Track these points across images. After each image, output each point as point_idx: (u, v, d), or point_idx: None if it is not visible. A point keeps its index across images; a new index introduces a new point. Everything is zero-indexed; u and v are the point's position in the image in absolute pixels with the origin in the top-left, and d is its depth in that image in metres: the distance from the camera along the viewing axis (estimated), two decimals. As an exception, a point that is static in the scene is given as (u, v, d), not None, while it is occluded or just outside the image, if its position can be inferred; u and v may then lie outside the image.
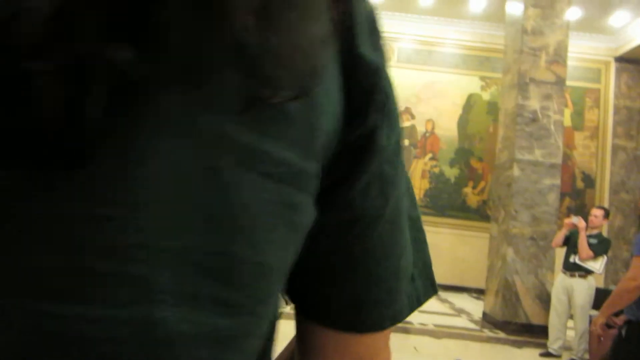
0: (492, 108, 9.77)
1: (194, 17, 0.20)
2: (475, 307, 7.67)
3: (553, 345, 4.52)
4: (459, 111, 9.82)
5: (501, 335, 5.71)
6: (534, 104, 6.20)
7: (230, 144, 0.23)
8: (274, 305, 0.29)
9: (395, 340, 4.88)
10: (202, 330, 0.23)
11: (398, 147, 0.34)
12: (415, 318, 6.21)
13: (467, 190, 9.73)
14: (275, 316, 0.31)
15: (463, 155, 9.77)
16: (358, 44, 0.29)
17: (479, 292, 8.93)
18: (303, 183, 0.26)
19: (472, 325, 6.22)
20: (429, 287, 0.39)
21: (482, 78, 9.85)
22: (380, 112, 0.31)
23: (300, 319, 0.36)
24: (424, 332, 5.49)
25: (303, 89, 0.24)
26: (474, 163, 9.77)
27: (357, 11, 0.30)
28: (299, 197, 0.26)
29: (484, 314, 6.53)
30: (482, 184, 9.75)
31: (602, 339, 2.84)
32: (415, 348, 4.76)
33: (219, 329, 0.24)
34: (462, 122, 9.81)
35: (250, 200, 0.24)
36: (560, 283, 4.45)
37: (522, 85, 6.24)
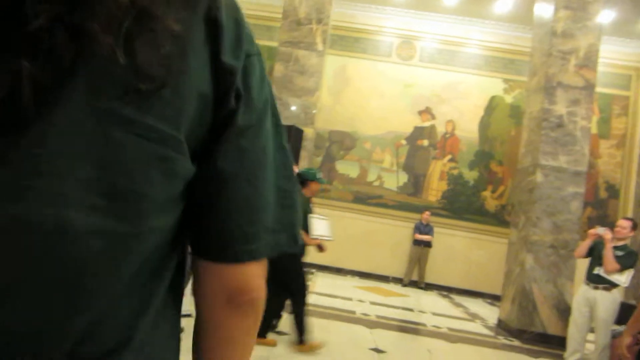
0: (515, 111, 9.60)
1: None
2: (489, 312, 7.55)
3: (570, 357, 4.40)
4: (481, 113, 9.67)
5: (516, 343, 5.60)
6: (560, 108, 6.05)
7: (117, 116, 0.38)
8: (163, 230, 0.44)
9: (409, 342, 4.80)
10: (97, 228, 0.38)
11: (259, 129, 0.48)
12: (429, 320, 6.13)
13: (486, 194, 9.57)
14: (179, 252, 0.49)
15: (483, 158, 9.62)
16: (222, 53, 0.44)
17: (493, 298, 8.81)
18: (174, 145, 0.41)
19: (486, 331, 6.11)
20: (292, 241, 0.52)
21: (506, 80, 9.67)
22: (238, 101, 0.46)
23: (192, 255, 0.51)
24: (437, 335, 5.40)
25: (161, 85, 0.39)
26: (494, 167, 9.61)
27: (225, 25, 0.44)
28: (172, 154, 0.41)
29: (499, 320, 6.42)
30: (501, 188, 9.59)
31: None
32: (429, 351, 4.68)
33: (107, 228, 0.38)
34: (484, 125, 9.65)
35: (130, 152, 0.38)
36: (583, 295, 4.32)
37: (548, 89, 6.09)
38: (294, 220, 0.52)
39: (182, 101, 0.41)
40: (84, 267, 0.38)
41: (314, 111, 6.34)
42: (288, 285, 3.90)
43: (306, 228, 3.93)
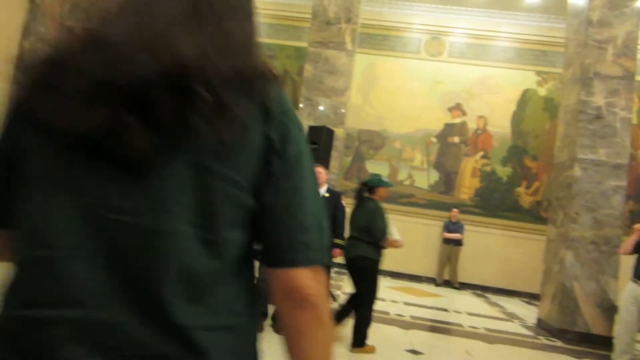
0: (549, 104, 9.34)
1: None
2: (527, 312, 7.36)
3: (619, 358, 4.23)
4: (513, 107, 9.44)
5: (558, 343, 5.43)
6: (598, 100, 5.84)
7: (209, 169, 0.60)
8: (236, 242, 0.66)
9: (446, 343, 4.71)
10: (195, 235, 0.60)
11: (292, 175, 0.67)
12: (465, 320, 6.02)
13: (520, 190, 9.34)
14: (246, 257, 0.69)
15: (516, 153, 9.39)
16: (270, 131, 0.65)
17: (531, 297, 8.58)
18: (239, 186, 0.63)
19: (525, 332, 5.95)
20: (328, 258, 0.71)
21: (539, 73, 9.42)
22: (279, 158, 0.66)
23: (262, 265, 0.70)
24: (475, 335, 5.29)
25: (233, 150, 0.62)
26: (528, 162, 9.37)
27: (273, 113, 0.66)
28: (237, 192, 0.63)
29: (539, 320, 6.25)
30: (536, 184, 9.34)
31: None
32: (467, 352, 4.58)
33: (200, 235, 0.61)
34: (516, 119, 9.43)
35: (215, 190, 0.61)
36: (630, 293, 4.14)
37: (585, 80, 5.90)
38: (325, 242, 0.70)
39: (244, 160, 0.64)
40: (188, 257, 0.61)
41: (343, 111, 6.32)
42: (359, 287, 4.08)
43: (385, 231, 4.10)
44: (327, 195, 4.72)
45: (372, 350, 4.10)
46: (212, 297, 0.62)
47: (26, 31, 6.08)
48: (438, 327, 5.61)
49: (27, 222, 0.60)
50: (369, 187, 4.27)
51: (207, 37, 0.62)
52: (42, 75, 0.60)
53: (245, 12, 0.72)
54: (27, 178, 0.61)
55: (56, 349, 0.55)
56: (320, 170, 4.80)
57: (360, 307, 4.09)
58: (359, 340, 4.06)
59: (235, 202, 0.63)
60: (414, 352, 4.29)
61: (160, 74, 0.57)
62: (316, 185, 0.72)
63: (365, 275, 4.09)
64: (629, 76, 5.79)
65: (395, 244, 4.38)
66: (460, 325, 5.79)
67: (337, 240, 4.62)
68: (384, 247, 4.21)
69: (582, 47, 5.90)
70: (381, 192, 4.32)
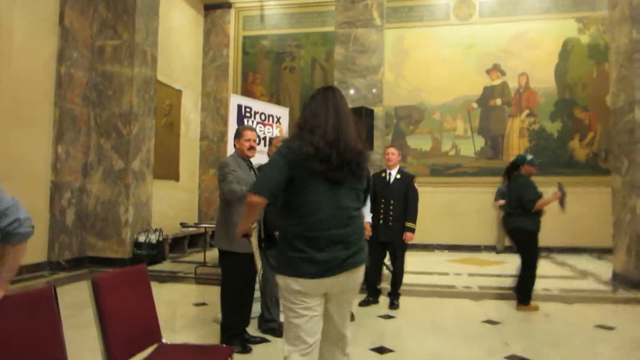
0: (594, 51, 8.85)
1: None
2: (600, 267, 7.05)
3: None
4: (555, 60, 9.00)
5: (640, 296, 5.18)
6: (653, 36, 5.46)
7: (355, 188, 2.04)
8: (359, 206, 2.17)
9: (521, 310, 4.53)
10: (354, 208, 2.04)
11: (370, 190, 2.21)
12: (537, 284, 5.80)
13: (574, 143, 8.93)
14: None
15: (565, 106, 8.97)
16: (368, 182, 2.16)
17: (600, 252, 8.22)
18: (361, 192, 2.11)
19: (602, 287, 5.69)
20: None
21: (579, 19, 8.92)
22: (368, 185, 2.16)
23: None
24: (551, 298, 5.09)
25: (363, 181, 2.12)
26: (579, 113, 8.93)
27: (369, 178, 2.17)
28: (362, 194, 2.11)
29: (615, 273, 5.97)
30: (590, 135, 8.90)
31: None
32: (546, 315, 4.42)
33: (356, 207, 2.07)
34: (560, 71, 8.99)
35: (354, 194, 2.05)
36: None
37: (635, 18, 5.52)
38: None
39: (364, 185, 2.08)
40: (354, 217, 2.00)
41: (379, 88, 6.17)
42: (521, 254, 4.69)
43: (534, 201, 4.53)
44: (398, 177, 4.66)
45: (536, 308, 4.61)
46: (358, 219, 2.04)
47: (60, 57, 6.28)
48: (509, 295, 5.42)
49: (309, 209, 1.91)
50: (514, 165, 4.84)
51: (361, 139, 2.02)
52: (312, 156, 1.87)
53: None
54: (302, 188, 1.92)
55: (333, 245, 1.90)
56: (393, 151, 4.71)
57: (524, 270, 4.65)
58: (524, 299, 4.63)
59: (360, 196, 2.06)
60: (491, 322, 4.17)
61: (357, 154, 1.95)
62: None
63: (524, 244, 4.66)
64: (684, 5, 5.37)
65: (554, 197, 4.66)
66: (534, 290, 5.59)
67: (409, 224, 4.57)
68: (539, 215, 4.63)
69: (629, -18, 5.51)
70: (526, 168, 4.75)
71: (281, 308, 2.50)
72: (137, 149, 6.93)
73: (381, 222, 4.57)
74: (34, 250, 5.96)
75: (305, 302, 1.90)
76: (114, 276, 2.10)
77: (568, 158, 8.91)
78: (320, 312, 1.94)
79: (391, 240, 4.60)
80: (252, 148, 3.40)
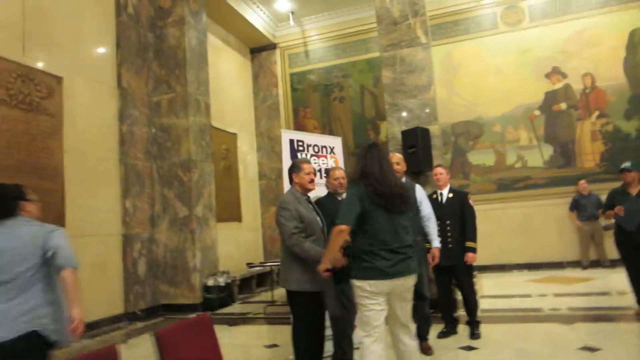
0: (665, 39, 8.17)
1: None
2: None
3: None
4: (622, 54, 8.38)
5: None
6: None
7: (408, 212, 2.92)
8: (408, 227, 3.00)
9: (623, 332, 4.03)
10: (406, 225, 2.84)
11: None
12: (633, 302, 5.22)
13: (656, 141, 8.18)
14: None
15: None
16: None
17: None
18: (409, 221, 2.90)
19: None
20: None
21: (643, 8, 8.31)
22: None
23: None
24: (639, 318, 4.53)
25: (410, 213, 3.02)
26: (657, 108, 8.20)
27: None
28: (407, 224, 2.87)
29: None
30: (673, 130, 8.12)
31: None
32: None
33: (407, 225, 2.86)
34: (630, 65, 8.34)
35: (402, 223, 2.80)
36: None
37: None
38: None
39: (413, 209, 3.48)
40: (407, 234, 2.79)
41: (433, 107, 5.96)
42: None
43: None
44: (451, 195, 4.43)
45: None
46: (409, 236, 2.81)
47: (121, 116, 6.61)
48: (606, 315, 4.89)
49: (374, 229, 2.67)
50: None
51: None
52: (376, 193, 2.68)
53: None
54: (369, 216, 2.67)
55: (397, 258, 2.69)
56: (441, 170, 4.51)
57: None
58: None
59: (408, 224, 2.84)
60: (590, 349, 3.72)
61: (404, 191, 2.81)
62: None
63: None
64: None
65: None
66: (630, 308, 5.02)
67: (469, 243, 4.27)
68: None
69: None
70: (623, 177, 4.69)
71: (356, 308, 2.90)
72: (198, 194, 7.09)
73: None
74: (112, 303, 6.16)
75: (373, 299, 2.66)
76: (177, 329, 2.03)
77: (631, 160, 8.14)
78: (385, 307, 2.69)
79: (453, 263, 4.28)
80: (312, 181, 3.32)
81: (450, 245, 4.25)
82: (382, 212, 2.68)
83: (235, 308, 6.99)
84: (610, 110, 8.41)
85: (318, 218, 3.24)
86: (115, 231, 6.38)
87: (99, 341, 5.25)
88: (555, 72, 8.69)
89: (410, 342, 2.78)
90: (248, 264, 8.33)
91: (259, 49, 10.51)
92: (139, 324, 6.13)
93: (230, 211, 8.92)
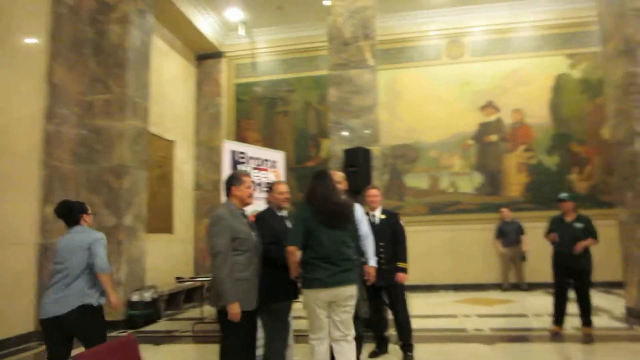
0: (586, 85, 8.93)
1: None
2: (610, 303, 6.81)
3: None
4: (549, 95, 9.05)
5: (661, 334, 4.92)
6: (646, 68, 5.45)
7: (348, 228, 3.26)
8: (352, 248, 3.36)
9: (540, 352, 4.26)
10: (350, 244, 3.25)
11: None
12: (549, 323, 5.54)
13: (572, 177, 8.84)
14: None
15: (561, 140, 8.94)
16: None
17: (608, 286, 7.98)
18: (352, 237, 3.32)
19: (617, 324, 5.44)
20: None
21: (570, 56, 9.04)
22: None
23: None
24: (567, 338, 4.83)
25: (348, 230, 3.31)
26: (575, 147, 8.89)
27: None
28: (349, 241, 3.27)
29: (628, 309, 5.74)
30: (588, 168, 8.82)
31: None
32: (568, 359, 4.15)
33: (350, 244, 3.26)
34: (554, 106, 9.02)
35: (343, 240, 3.17)
36: None
37: (629, 52, 5.55)
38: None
39: (354, 227, 3.43)
40: (346, 249, 3.14)
41: (371, 129, 6.09)
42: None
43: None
44: (383, 217, 4.45)
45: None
46: (349, 250, 3.16)
47: (49, 114, 6.16)
48: (524, 336, 5.16)
49: (316, 244, 3.03)
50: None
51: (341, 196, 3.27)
52: (318, 211, 3.08)
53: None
54: (312, 233, 3.04)
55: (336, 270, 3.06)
56: (375, 192, 4.54)
57: None
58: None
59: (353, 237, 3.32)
60: (510, 372, 3.89)
61: (344, 209, 3.19)
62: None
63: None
64: (675, 37, 5.40)
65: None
66: (546, 329, 5.33)
67: (400, 264, 4.30)
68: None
69: (621, 18, 5.56)
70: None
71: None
72: (128, 203, 6.72)
73: None
74: (22, 320, 5.56)
75: (318, 306, 3.05)
76: (99, 353, 1.87)
77: (568, 191, 8.75)
78: (326, 312, 3.09)
79: (386, 284, 4.28)
80: (251, 196, 3.23)
81: (383, 267, 4.23)
82: (324, 229, 3.05)
83: (162, 325, 6.66)
84: (535, 145, 9.01)
85: (253, 234, 3.15)
86: (31, 239, 5.82)
87: None
88: (490, 106, 9.21)
89: (348, 346, 3.09)
90: (177, 278, 8.00)
91: (205, 56, 10.29)
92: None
93: (161, 221, 8.56)
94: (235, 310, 2.86)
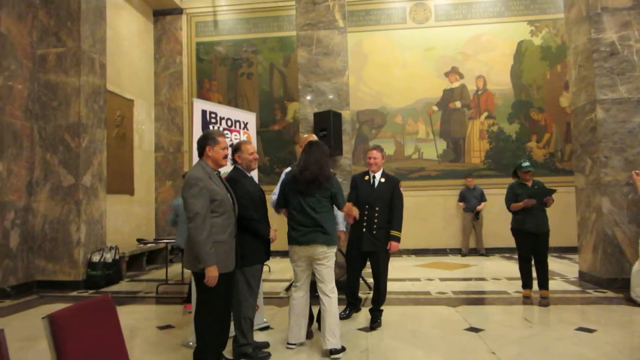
0: (547, 53, 9.09)
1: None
2: (564, 267, 7.17)
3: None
4: (510, 62, 9.18)
5: (610, 294, 5.23)
6: (610, 35, 5.58)
7: (317, 194, 3.57)
8: (326, 207, 3.71)
9: (502, 314, 4.45)
10: (312, 208, 3.64)
11: (337, 194, 3.64)
12: (507, 286, 5.79)
13: (531, 144, 9.11)
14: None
15: (521, 108, 9.14)
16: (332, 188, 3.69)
17: (561, 251, 8.41)
18: (326, 198, 3.63)
19: (572, 287, 5.74)
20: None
21: (531, 22, 9.14)
22: (334, 193, 3.64)
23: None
24: (525, 300, 5.06)
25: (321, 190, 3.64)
26: (535, 115, 9.13)
27: (335, 186, 3.67)
28: (326, 199, 3.65)
29: (582, 273, 6.04)
30: (546, 136, 9.11)
31: None
32: (526, 319, 4.35)
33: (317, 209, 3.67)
34: (516, 73, 9.17)
35: (316, 204, 3.58)
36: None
37: (592, 17, 5.63)
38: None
39: (327, 194, 3.60)
40: (316, 213, 3.52)
41: (342, 93, 6.01)
42: None
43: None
44: (383, 180, 4.23)
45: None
46: (320, 214, 3.51)
47: (-3, 67, 5.73)
48: (485, 299, 5.37)
49: (291, 207, 3.60)
50: (514, 171, 5.27)
51: (323, 167, 3.51)
52: (294, 179, 3.56)
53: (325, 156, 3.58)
54: (288, 197, 3.63)
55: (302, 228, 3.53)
56: (376, 154, 4.26)
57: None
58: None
59: (322, 201, 3.54)
60: (475, 329, 4.04)
61: (320, 177, 3.48)
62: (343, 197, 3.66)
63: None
64: (639, 5, 5.52)
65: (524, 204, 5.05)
66: (505, 292, 5.57)
67: (394, 232, 4.13)
68: (518, 215, 5.14)
69: (585, -16, 5.61)
70: (520, 174, 5.16)
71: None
72: (87, 162, 6.44)
73: (364, 230, 4.11)
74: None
75: (296, 261, 3.61)
76: (76, 313, 1.77)
77: (527, 159, 9.06)
78: (305, 268, 3.61)
79: (375, 250, 4.12)
80: (226, 157, 3.11)
81: (374, 232, 4.11)
82: (296, 194, 3.54)
83: (123, 286, 6.52)
84: (497, 112, 9.19)
85: (229, 195, 3.07)
86: (-17, 197, 5.57)
87: (-42, 322, 4.57)
88: (454, 72, 9.26)
89: (327, 298, 3.47)
90: (139, 240, 7.82)
91: (163, 12, 9.78)
92: (8, 302, 5.46)
93: (121, 183, 8.27)
94: (213, 273, 2.80)
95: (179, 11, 9.82)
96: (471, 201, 8.82)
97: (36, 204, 6.28)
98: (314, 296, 3.64)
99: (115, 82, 8.09)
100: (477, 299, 5.35)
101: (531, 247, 5.04)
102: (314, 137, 4.00)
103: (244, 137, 4.34)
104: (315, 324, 3.99)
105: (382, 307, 4.31)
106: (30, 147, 6.26)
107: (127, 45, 8.70)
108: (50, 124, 6.34)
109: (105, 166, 6.87)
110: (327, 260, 3.50)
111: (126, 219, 8.34)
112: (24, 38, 6.20)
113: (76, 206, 6.25)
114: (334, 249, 3.54)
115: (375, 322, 4.23)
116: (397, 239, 4.15)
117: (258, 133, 8.99)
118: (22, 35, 6.18)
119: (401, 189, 4.31)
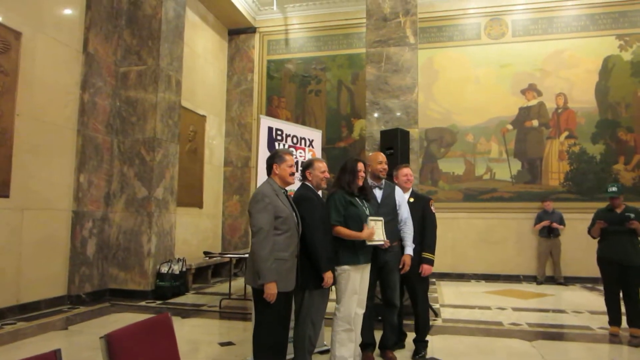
0: (638, 68, 8.39)
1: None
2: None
3: None
4: (595, 78, 8.56)
5: None
6: None
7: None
8: None
9: (585, 351, 4.01)
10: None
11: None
12: (590, 321, 5.28)
13: (618, 167, 8.40)
14: None
15: (607, 127, 8.47)
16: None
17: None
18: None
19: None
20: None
21: (620, 36, 8.50)
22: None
23: None
24: (614, 339, 4.56)
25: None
26: (623, 135, 8.42)
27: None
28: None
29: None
30: (636, 157, 8.36)
31: None
32: (614, 363, 3.90)
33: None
34: (601, 90, 8.53)
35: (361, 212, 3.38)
36: None
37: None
38: None
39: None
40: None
41: (410, 110, 5.83)
42: None
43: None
44: (412, 200, 3.99)
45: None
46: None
47: (84, 84, 6.13)
48: (565, 334, 4.91)
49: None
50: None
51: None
52: (346, 194, 3.40)
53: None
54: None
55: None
56: (406, 171, 4.11)
57: None
58: None
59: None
60: (554, 369, 3.68)
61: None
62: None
63: None
64: None
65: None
66: (588, 327, 5.07)
67: (426, 254, 3.85)
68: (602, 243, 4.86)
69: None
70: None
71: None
72: (160, 175, 6.70)
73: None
74: (53, 284, 5.72)
75: (351, 277, 3.28)
76: (133, 331, 1.76)
77: (613, 183, 8.35)
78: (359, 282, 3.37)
79: (406, 274, 3.73)
80: (293, 175, 3.08)
81: None
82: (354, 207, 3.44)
83: (189, 298, 6.66)
84: (579, 131, 8.58)
85: (294, 214, 3.02)
86: (65, 206, 5.92)
87: (36, 325, 4.84)
88: (531, 89, 8.79)
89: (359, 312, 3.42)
90: (206, 252, 7.98)
91: (237, 31, 10.12)
92: (83, 309, 5.73)
93: (191, 196, 8.54)
94: (272, 290, 2.73)
95: (252, 30, 10.12)
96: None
97: (112, 214, 6.60)
98: (377, 320, 3.48)
99: (190, 99, 8.42)
100: (555, 334, 4.90)
101: (618, 279, 4.57)
102: (382, 156, 3.85)
103: (309, 155, 4.30)
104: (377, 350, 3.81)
105: (426, 339, 3.99)
106: (110, 160, 6.61)
107: (202, 62, 9.06)
108: (128, 138, 6.67)
109: (176, 180, 7.13)
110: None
111: (194, 232, 8.58)
112: (109, 57, 6.61)
113: (148, 218, 6.50)
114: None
115: (418, 354, 3.88)
116: (430, 262, 3.84)
117: (323, 149, 8.99)
118: (108, 54, 6.59)
119: (432, 207, 4.03)
